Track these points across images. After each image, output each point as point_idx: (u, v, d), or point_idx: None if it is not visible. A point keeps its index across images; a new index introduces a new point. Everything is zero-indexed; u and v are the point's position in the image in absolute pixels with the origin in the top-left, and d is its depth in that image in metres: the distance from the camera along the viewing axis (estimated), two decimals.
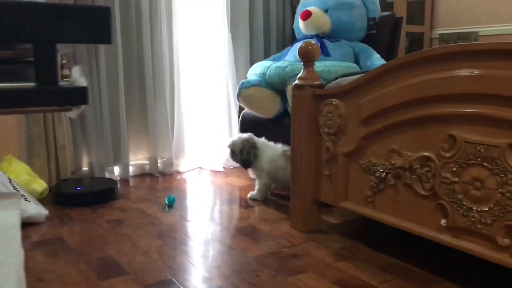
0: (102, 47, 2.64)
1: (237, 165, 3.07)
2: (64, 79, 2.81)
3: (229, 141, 2.49)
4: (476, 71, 1.30)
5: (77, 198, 2.35)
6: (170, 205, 2.31)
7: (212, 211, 2.24)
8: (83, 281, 1.50)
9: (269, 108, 2.56)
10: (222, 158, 3.13)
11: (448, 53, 1.37)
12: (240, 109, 2.87)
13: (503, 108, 1.24)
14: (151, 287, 1.46)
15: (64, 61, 2.54)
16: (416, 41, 3.58)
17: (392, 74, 1.54)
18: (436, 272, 1.55)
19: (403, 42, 3.43)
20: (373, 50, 2.70)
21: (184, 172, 3.00)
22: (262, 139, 2.44)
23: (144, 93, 2.82)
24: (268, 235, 1.91)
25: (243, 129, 2.78)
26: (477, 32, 3.18)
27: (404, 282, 1.49)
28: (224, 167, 3.10)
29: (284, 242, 1.83)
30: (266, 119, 2.64)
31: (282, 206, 2.28)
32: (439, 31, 3.46)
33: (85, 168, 2.75)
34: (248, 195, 2.44)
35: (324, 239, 1.85)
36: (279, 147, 2.39)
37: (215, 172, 3.02)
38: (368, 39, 2.83)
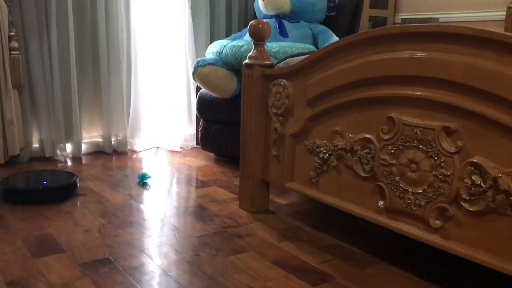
0: (53, 19, 2.54)
1: (195, 145, 3.06)
2: (12, 52, 2.69)
3: None
4: (416, 54, 1.29)
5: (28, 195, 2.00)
6: (145, 182, 2.31)
7: (163, 191, 2.21)
8: (16, 259, 1.46)
9: (226, 88, 2.52)
10: (180, 138, 3.10)
11: (391, 35, 1.36)
12: (198, 89, 2.83)
13: (439, 91, 1.25)
14: (86, 265, 1.43)
15: (12, 33, 2.45)
16: (379, 25, 3.58)
17: (337, 55, 1.52)
18: (375, 253, 1.57)
19: (365, 26, 3.43)
20: (332, 33, 2.69)
21: (140, 151, 2.95)
22: None
23: (98, 69, 2.75)
24: (215, 215, 1.89)
25: (200, 109, 2.74)
26: (437, 18, 3.21)
27: (342, 262, 1.50)
28: (181, 147, 3.06)
29: (230, 222, 1.82)
30: (223, 99, 2.60)
31: (235, 186, 2.26)
32: (401, 16, 3.47)
33: (35, 145, 2.68)
34: None
35: (270, 220, 1.85)
36: None
37: (172, 152, 2.97)
38: (328, 21, 2.81)
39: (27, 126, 2.59)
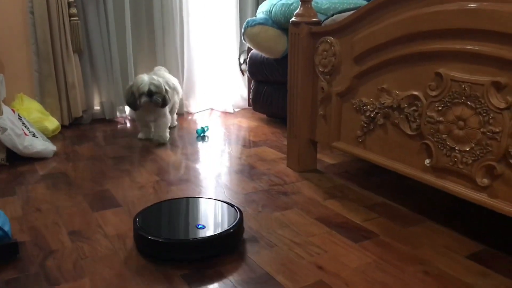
0: None
1: (247, 106, 3.10)
2: (72, 18, 2.76)
3: (142, 83, 2.23)
4: (465, 5, 1.23)
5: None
6: (203, 135, 2.50)
7: (215, 150, 2.28)
8: (77, 212, 1.58)
9: (275, 47, 2.51)
10: (233, 99, 3.14)
11: None
12: (249, 50, 2.83)
13: (489, 44, 1.18)
14: None
15: (71, 0, 2.55)
16: None
17: (384, 9, 1.47)
18: (421, 212, 1.55)
19: None
20: None
21: (195, 112, 3.03)
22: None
23: (153, 32, 2.82)
24: (263, 173, 1.93)
25: (251, 70, 2.76)
26: None
27: (387, 220, 1.50)
28: (234, 109, 3.11)
29: (276, 180, 1.85)
30: (274, 59, 2.60)
31: (284, 146, 2.28)
32: None
33: (96, 107, 2.82)
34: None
35: (317, 179, 1.87)
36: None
37: (225, 113, 3.03)
38: None
39: (88, 89, 2.73)
